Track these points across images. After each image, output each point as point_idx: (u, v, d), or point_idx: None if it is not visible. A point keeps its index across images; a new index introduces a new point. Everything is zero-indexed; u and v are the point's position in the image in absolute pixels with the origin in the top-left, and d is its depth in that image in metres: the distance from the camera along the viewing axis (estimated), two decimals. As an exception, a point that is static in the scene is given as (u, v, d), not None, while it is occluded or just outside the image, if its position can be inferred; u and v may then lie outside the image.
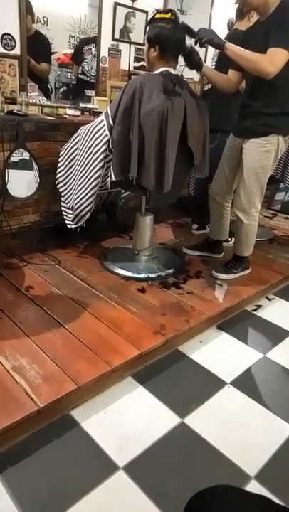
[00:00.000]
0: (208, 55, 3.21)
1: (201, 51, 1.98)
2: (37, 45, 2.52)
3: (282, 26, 1.72)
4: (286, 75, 1.76)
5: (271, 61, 1.72)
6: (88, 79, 2.84)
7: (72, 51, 2.74)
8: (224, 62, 2.09)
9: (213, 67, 2.61)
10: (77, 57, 2.76)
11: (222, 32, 2.74)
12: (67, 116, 2.40)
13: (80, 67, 2.79)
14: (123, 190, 2.59)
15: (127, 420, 1.40)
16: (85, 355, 1.54)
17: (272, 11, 1.80)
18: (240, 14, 2.50)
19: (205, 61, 3.17)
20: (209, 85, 2.56)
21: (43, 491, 1.14)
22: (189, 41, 1.93)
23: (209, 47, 3.07)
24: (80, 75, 2.81)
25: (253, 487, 1.19)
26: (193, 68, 1.99)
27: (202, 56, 2.01)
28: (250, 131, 2.01)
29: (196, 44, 1.87)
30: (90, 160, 1.97)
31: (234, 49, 1.80)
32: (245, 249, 2.27)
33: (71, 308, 1.86)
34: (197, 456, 1.29)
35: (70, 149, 2.12)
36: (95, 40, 2.74)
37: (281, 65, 1.72)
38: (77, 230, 2.21)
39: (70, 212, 2.18)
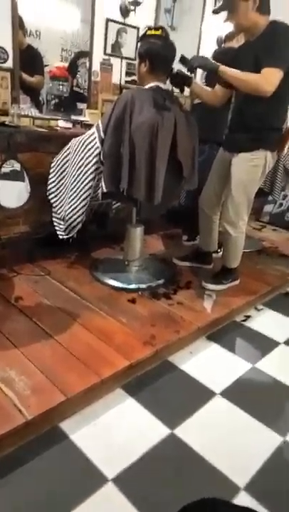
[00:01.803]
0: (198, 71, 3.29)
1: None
2: (29, 59, 2.55)
3: (273, 47, 1.78)
4: (278, 92, 1.81)
5: (267, 81, 1.77)
6: (81, 91, 2.88)
7: (65, 64, 2.78)
8: (214, 77, 2.15)
9: (204, 81, 2.68)
10: (72, 69, 2.80)
11: (211, 49, 2.82)
12: (58, 128, 2.42)
13: (75, 80, 2.83)
14: (114, 202, 2.61)
15: (116, 432, 1.39)
16: (75, 367, 1.53)
17: (262, 31, 1.86)
18: (230, 36, 2.59)
19: (196, 75, 3.26)
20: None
21: (32, 505, 1.12)
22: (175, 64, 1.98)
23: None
24: (74, 88, 2.85)
25: (243, 498, 1.19)
26: (177, 87, 2.04)
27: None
28: (239, 145, 2.05)
29: (188, 71, 1.92)
30: (82, 171, 1.99)
31: (229, 72, 1.84)
32: (232, 260, 2.30)
33: (61, 319, 1.85)
34: (187, 467, 1.29)
35: (62, 161, 2.14)
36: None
37: (277, 84, 1.77)
38: (70, 240, 2.22)
39: (62, 223, 2.18)
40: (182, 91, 2.07)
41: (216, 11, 1.97)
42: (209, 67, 1.88)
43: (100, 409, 1.47)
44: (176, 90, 2.12)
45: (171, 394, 1.60)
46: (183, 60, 1.93)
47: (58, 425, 1.38)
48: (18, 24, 2.34)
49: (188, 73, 1.98)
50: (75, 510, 1.11)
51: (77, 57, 2.79)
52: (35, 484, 1.18)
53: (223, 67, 1.84)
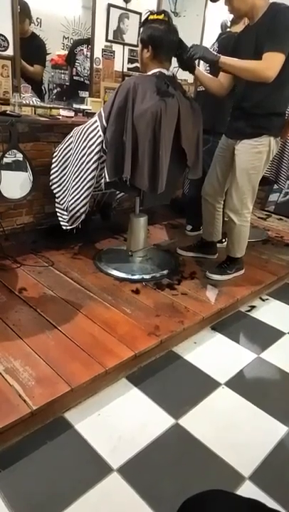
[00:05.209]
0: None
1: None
2: (32, 47, 2.52)
3: (274, 31, 1.74)
4: (279, 76, 1.77)
5: (268, 66, 1.73)
6: (82, 79, 2.84)
7: (66, 52, 2.74)
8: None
9: (207, 69, 2.62)
10: (70, 58, 2.76)
11: (215, 34, 2.76)
12: (60, 117, 2.39)
13: (74, 69, 2.80)
14: (118, 192, 2.58)
15: (121, 422, 1.39)
16: (79, 357, 1.53)
17: (261, 15, 1.82)
18: (236, 20, 2.52)
19: (198, 64, 3.19)
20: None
21: (37, 494, 1.13)
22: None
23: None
24: (74, 76, 2.81)
25: (248, 488, 1.19)
26: (185, 69, 1.99)
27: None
28: (242, 132, 2.02)
29: (188, 60, 1.87)
30: (84, 161, 1.96)
31: (229, 61, 1.81)
32: (237, 250, 2.28)
33: (65, 309, 1.85)
34: (191, 457, 1.29)
35: (64, 150, 2.12)
36: (87, 41, 2.74)
37: (279, 68, 1.74)
38: (74, 231, 2.20)
39: (65, 213, 2.17)
40: (192, 70, 2.01)
41: None
42: (209, 58, 1.84)
43: (104, 400, 1.47)
44: (180, 78, 2.07)
45: (175, 384, 1.60)
46: (180, 45, 1.88)
47: (63, 415, 1.38)
48: (18, 11, 2.30)
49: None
50: (80, 499, 1.12)
51: (75, 45, 2.75)
52: (41, 474, 1.18)
53: (223, 58, 1.81)
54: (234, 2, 1.84)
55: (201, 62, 3.07)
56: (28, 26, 2.44)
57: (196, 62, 1.97)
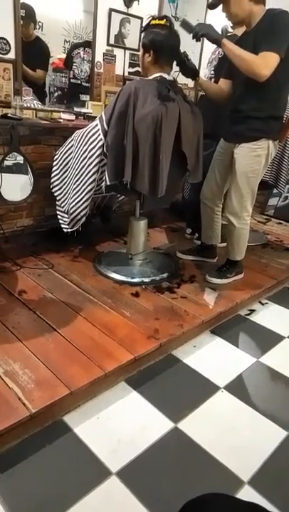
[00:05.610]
0: (203, 61, 3.24)
1: (196, 56, 1.99)
2: (36, 51, 2.53)
3: (271, 32, 1.76)
4: (277, 79, 1.78)
5: (264, 63, 1.74)
6: (79, 82, 2.85)
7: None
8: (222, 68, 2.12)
9: (212, 73, 2.64)
10: (68, 61, 2.77)
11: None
12: (61, 120, 2.40)
13: (72, 72, 2.81)
14: (118, 195, 2.59)
15: (120, 425, 1.39)
16: (78, 360, 1.53)
17: (258, 21, 1.84)
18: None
19: (199, 66, 3.21)
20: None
21: (36, 498, 1.12)
22: (184, 49, 1.94)
23: (204, 50, 3.09)
24: (71, 79, 2.83)
25: (247, 492, 1.19)
26: (188, 76, 2.00)
27: (196, 61, 2.02)
28: (241, 136, 2.02)
29: (193, 38, 1.86)
30: (85, 164, 1.97)
31: (231, 46, 1.80)
32: (237, 253, 2.28)
33: (64, 312, 1.85)
34: (190, 461, 1.29)
35: (65, 153, 2.12)
36: (84, 44, 2.75)
37: (273, 68, 1.75)
38: (74, 233, 2.21)
39: (66, 216, 2.17)
40: (195, 77, 2.02)
41: (212, 6, 1.95)
42: (214, 37, 1.82)
43: (103, 403, 1.47)
44: (181, 82, 2.09)
45: (174, 388, 1.60)
46: (185, 24, 1.87)
47: (62, 418, 1.38)
48: (20, 15, 2.31)
49: (194, 40, 1.91)
50: (79, 503, 1.11)
51: (73, 48, 2.76)
52: (39, 477, 1.18)
53: (226, 41, 1.80)
54: (231, 9, 1.86)
55: (203, 67, 3.10)
56: (33, 30, 2.46)
57: (197, 62, 1.98)
